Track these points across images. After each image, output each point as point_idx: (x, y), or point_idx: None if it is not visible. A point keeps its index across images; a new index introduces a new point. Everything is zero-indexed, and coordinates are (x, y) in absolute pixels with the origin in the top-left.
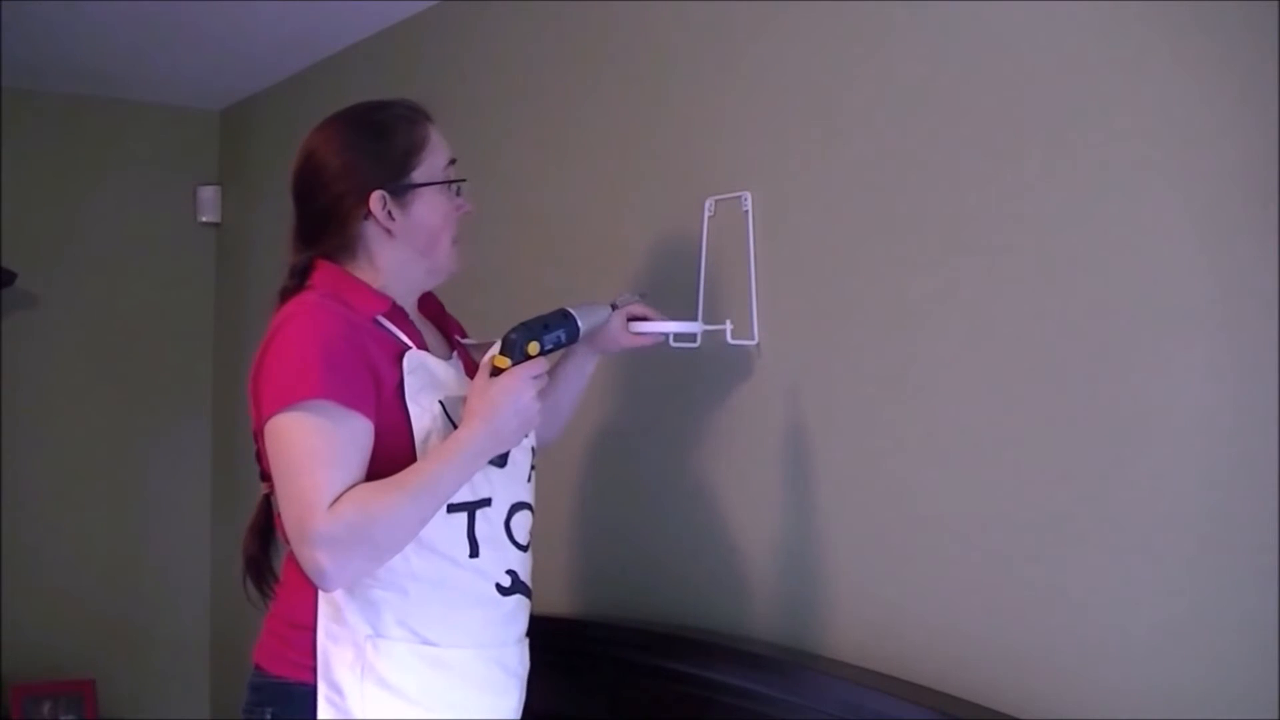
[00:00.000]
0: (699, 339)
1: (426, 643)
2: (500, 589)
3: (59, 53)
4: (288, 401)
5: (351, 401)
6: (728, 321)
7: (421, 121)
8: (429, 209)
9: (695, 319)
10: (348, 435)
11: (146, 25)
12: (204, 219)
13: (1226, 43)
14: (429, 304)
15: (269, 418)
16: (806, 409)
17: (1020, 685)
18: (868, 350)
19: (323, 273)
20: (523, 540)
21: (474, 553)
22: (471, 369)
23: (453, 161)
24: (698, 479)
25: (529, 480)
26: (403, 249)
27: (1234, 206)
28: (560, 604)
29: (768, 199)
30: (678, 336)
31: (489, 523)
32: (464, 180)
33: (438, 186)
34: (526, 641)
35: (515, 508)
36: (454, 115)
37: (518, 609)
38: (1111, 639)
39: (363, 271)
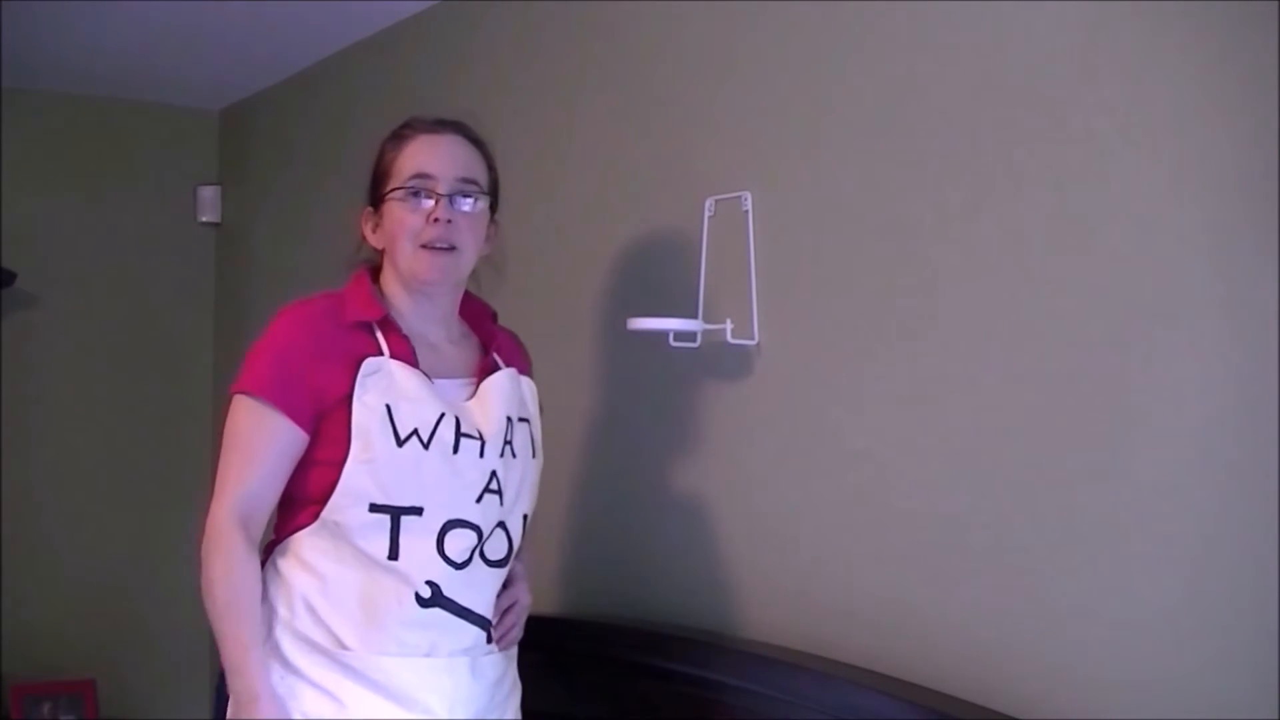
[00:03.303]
0: (699, 339)
1: (343, 647)
2: (419, 599)
3: (59, 53)
4: (239, 385)
5: (285, 405)
6: (728, 321)
7: (403, 138)
8: (389, 218)
9: (695, 318)
10: (270, 435)
11: (146, 25)
12: (204, 219)
13: (1228, 41)
14: (482, 321)
15: (231, 391)
16: (806, 409)
17: (1019, 685)
18: (868, 350)
19: (359, 271)
20: (457, 558)
21: (393, 554)
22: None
23: (424, 175)
24: (697, 478)
25: (479, 501)
26: (390, 258)
27: (1236, 208)
28: (559, 604)
29: (768, 199)
30: (678, 336)
31: (415, 531)
32: (425, 188)
33: (398, 197)
34: (466, 660)
35: (452, 524)
36: (453, 115)
37: (447, 624)
38: (1111, 639)
39: (388, 276)
